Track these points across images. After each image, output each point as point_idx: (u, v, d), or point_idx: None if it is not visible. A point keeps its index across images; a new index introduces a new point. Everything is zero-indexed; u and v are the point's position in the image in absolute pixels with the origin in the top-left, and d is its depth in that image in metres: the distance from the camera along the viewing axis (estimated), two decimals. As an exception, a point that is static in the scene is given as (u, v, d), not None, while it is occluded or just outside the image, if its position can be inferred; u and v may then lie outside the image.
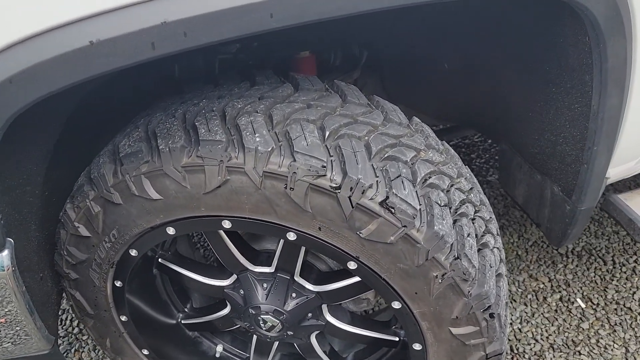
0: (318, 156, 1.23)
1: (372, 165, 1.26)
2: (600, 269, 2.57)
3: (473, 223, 1.38)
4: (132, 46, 0.97)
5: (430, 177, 1.32)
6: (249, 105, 1.34)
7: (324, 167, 1.22)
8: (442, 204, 1.29)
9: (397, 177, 1.26)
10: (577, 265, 2.59)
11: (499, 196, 3.03)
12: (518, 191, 2.07)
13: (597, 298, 2.44)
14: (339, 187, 1.22)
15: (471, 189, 1.45)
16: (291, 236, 1.33)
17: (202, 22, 1.00)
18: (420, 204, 1.26)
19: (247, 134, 1.26)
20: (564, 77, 1.55)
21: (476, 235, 1.37)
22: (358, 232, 1.27)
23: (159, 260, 1.68)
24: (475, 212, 1.41)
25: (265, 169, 1.23)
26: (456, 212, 1.34)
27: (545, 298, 2.45)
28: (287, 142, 1.25)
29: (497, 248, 1.46)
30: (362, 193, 1.22)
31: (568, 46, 1.46)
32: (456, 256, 1.28)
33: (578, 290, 2.48)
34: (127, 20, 0.96)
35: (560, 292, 2.48)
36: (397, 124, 1.40)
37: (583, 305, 2.41)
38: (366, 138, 1.31)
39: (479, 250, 1.36)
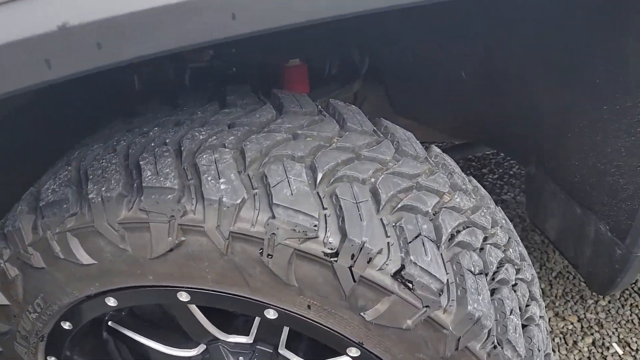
0: (306, 210, 0.89)
1: (382, 220, 0.92)
2: (637, 306, 2.23)
3: (515, 291, 1.04)
4: (13, 65, 0.63)
5: (459, 233, 0.98)
6: (214, 137, 0.99)
7: (315, 226, 0.88)
8: (477, 272, 0.95)
9: (416, 236, 0.92)
10: (609, 302, 2.26)
11: (516, 217, 2.69)
12: (549, 224, 1.73)
13: (636, 342, 2.10)
14: (336, 254, 0.88)
15: (509, 240, 1.12)
16: (271, 314, 0.99)
17: (127, 28, 0.65)
18: (447, 274, 0.92)
19: (209, 178, 0.91)
20: (622, 94, 1.22)
21: (520, 308, 1.03)
22: (362, 314, 0.92)
23: (109, 323, 1.34)
24: (516, 273, 1.07)
25: (233, 229, 0.89)
26: (494, 280, 1.00)
27: (575, 342, 2.11)
28: (265, 190, 0.91)
29: (543, 317, 1.12)
30: (368, 262, 0.88)
31: (631, 56, 1.13)
32: (496, 344, 0.94)
33: (613, 333, 2.14)
34: (4, 23, 0.62)
35: (592, 334, 2.14)
36: (413, 158, 1.06)
37: (620, 352, 2.07)
38: (372, 181, 0.97)
39: (523, 327, 1.02)
